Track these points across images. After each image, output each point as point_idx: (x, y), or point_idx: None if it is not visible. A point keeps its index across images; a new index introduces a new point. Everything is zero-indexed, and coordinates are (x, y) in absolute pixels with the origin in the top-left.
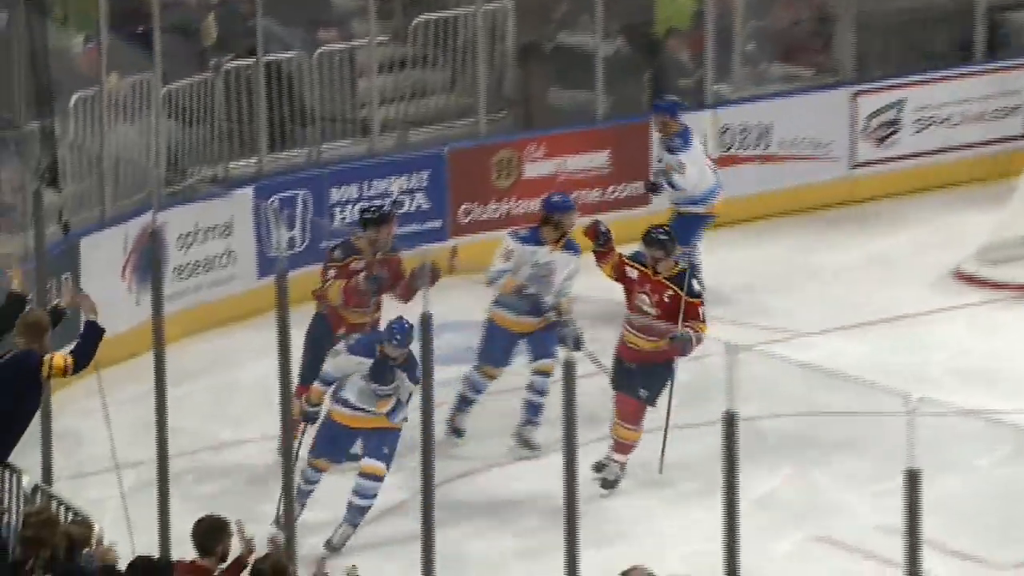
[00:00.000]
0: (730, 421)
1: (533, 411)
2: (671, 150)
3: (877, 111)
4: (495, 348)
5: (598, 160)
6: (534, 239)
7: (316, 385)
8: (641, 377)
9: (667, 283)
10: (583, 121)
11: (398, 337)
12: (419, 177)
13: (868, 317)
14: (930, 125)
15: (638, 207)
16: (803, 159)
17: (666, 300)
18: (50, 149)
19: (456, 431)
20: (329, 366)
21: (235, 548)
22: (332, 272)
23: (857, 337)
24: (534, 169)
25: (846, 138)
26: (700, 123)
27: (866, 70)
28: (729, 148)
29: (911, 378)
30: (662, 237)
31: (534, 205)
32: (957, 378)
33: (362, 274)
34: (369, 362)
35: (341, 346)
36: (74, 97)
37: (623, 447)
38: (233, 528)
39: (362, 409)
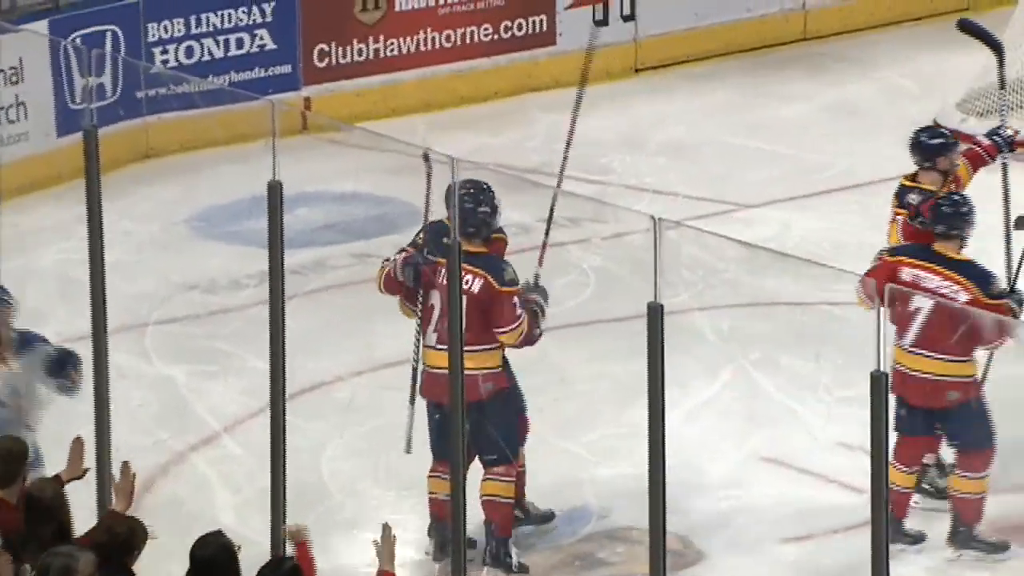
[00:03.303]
0: (655, 314)
1: None
2: None
3: None
4: None
5: None
6: None
7: None
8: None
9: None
10: None
11: None
12: (262, 10)
13: (826, 184)
14: None
15: (541, 47)
16: None
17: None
18: None
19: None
20: None
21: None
22: None
23: (812, 208)
24: (407, 0)
25: None
26: None
27: None
28: None
29: None
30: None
31: (407, 46)
32: None
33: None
34: None
35: None
36: None
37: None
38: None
39: None
